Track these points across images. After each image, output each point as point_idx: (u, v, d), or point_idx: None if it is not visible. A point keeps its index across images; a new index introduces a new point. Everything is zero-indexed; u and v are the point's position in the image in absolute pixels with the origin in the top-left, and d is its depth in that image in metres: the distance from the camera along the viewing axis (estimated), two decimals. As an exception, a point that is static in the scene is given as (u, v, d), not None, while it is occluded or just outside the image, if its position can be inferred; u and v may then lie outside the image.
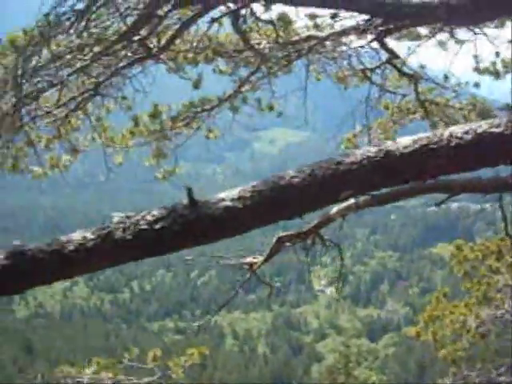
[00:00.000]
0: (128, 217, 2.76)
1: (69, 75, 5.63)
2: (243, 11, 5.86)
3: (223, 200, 2.76)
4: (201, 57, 7.05)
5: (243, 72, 7.80)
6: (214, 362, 66.15)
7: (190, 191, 2.72)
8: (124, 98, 7.15)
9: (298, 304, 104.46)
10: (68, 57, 5.66)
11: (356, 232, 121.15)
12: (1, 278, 2.75)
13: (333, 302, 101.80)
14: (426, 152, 2.81)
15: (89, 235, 2.77)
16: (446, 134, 2.81)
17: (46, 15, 4.56)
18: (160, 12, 5.33)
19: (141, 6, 5.14)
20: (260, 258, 5.44)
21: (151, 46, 6.03)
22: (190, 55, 6.62)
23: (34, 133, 6.78)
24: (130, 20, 5.30)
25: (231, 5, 5.84)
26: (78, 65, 5.67)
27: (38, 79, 5.56)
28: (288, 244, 5.30)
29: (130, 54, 6.09)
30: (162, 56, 6.47)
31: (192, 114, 7.82)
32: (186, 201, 2.75)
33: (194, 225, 2.75)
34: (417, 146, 2.83)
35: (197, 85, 7.48)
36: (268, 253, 5.34)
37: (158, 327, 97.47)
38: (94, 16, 4.93)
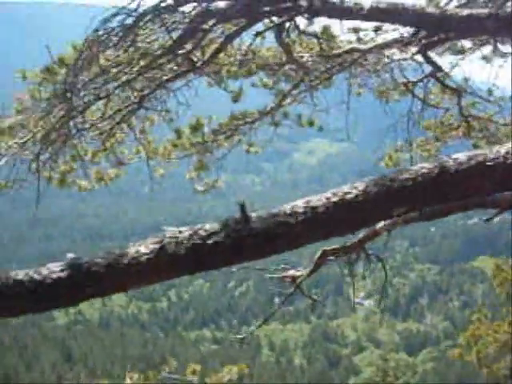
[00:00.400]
0: (181, 231, 2.78)
1: (115, 88, 5.71)
2: (287, 24, 5.86)
3: (276, 215, 2.75)
4: (243, 70, 7.09)
5: (284, 85, 7.84)
6: (251, 373, 66.03)
7: (243, 206, 2.72)
8: (167, 110, 7.22)
9: (336, 316, 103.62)
10: (114, 70, 5.75)
11: (395, 244, 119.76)
12: (57, 290, 2.79)
13: (371, 314, 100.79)
14: (482, 169, 2.76)
15: (142, 249, 2.79)
16: (503, 151, 2.76)
17: (96, 30, 4.65)
18: (205, 26, 5.38)
19: (186, 20, 5.18)
20: (302, 271, 5.41)
21: (195, 59, 6.08)
22: (233, 68, 6.65)
23: (80, 146, 6.89)
24: (175, 34, 5.36)
25: (275, 18, 5.86)
26: (124, 78, 5.74)
27: (86, 93, 5.65)
28: (332, 258, 5.28)
29: (174, 68, 6.16)
30: (205, 69, 6.52)
31: (233, 127, 7.87)
32: (238, 215, 2.75)
33: (246, 240, 2.74)
34: (473, 162, 2.79)
35: (236, 99, 7.53)
36: (312, 266, 5.31)
37: (195, 337, 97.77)
38: (141, 31, 5.00)
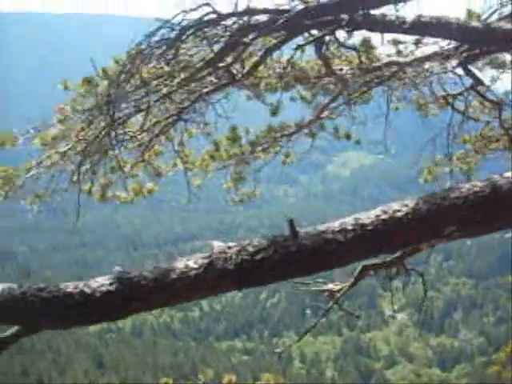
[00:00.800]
0: (229, 247, 2.78)
1: (156, 101, 5.77)
2: (327, 38, 5.85)
3: (325, 232, 2.74)
4: (282, 83, 7.10)
5: (323, 98, 7.83)
6: (282, 385, 65.57)
7: (291, 222, 2.72)
8: (206, 123, 7.26)
9: (368, 329, 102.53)
10: (154, 83, 5.81)
11: (429, 258, 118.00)
12: (106, 303, 2.81)
13: (404, 328, 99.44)
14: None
15: (191, 264, 2.81)
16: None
17: (139, 44, 4.71)
18: (245, 39, 5.40)
19: (227, 33, 5.22)
20: (341, 286, 5.37)
21: (235, 72, 6.11)
22: (272, 81, 6.67)
23: (119, 157, 6.95)
24: (216, 47, 5.40)
25: (315, 31, 5.86)
26: (165, 91, 5.80)
27: (127, 105, 5.72)
28: (371, 272, 5.23)
29: (214, 80, 6.19)
30: (244, 82, 6.54)
31: (271, 139, 7.88)
32: (286, 232, 2.74)
33: (294, 256, 2.74)
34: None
35: (275, 112, 7.54)
36: (352, 281, 5.27)
37: (226, 347, 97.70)
38: (183, 44, 5.05)
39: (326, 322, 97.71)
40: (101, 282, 2.82)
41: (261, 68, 6.45)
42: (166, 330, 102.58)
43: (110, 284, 2.79)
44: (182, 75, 5.68)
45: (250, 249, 2.76)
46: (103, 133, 5.79)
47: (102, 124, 5.75)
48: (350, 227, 2.72)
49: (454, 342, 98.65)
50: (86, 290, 2.80)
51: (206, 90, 6.34)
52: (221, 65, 5.69)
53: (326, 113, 7.83)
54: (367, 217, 2.75)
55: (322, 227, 2.79)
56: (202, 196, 7.97)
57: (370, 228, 2.70)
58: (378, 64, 6.99)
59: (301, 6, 4.96)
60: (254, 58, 5.96)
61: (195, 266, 2.79)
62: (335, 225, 2.77)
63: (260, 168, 7.92)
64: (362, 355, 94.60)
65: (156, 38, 4.76)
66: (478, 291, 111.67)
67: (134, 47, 4.91)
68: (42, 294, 2.84)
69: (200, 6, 4.67)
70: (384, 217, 2.72)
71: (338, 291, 5.38)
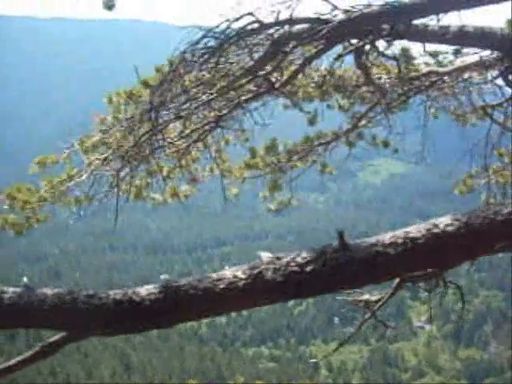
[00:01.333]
0: (278, 258, 2.78)
1: (195, 108, 5.82)
2: (367, 47, 5.84)
3: (375, 245, 2.73)
4: (320, 92, 7.11)
5: (360, 107, 7.81)
6: (308, 393, 65.32)
7: (341, 234, 2.71)
8: (243, 130, 7.29)
9: (396, 339, 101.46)
10: (194, 90, 5.86)
11: (460, 269, 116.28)
12: (154, 312, 2.83)
13: (432, 339, 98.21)
14: None
15: (240, 274, 2.81)
16: None
17: (183, 52, 4.77)
18: (285, 48, 5.42)
19: (268, 42, 5.24)
20: (378, 296, 5.32)
21: (273, 80, 6.13)
22: (311, 90, 6.67)
23: (156, 162, 7.02)
24: (256, 56, 5.43)
25: (354, 40, 5.86)
26: (205, 98, 5.84)
27: (167, 112, 5.79)
28: (409, 284, 5.16)
29: (252, 89, 6.22)
30: (282, 90, 6.56)
31: (308, 148, 7.87)
32: (336, 243, 2.74)
33: (344, 268, 2.73)
34: None
35: (312, 121, 7.54)
36: (391, 292, 5.22)
37: (252, 353, 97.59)
38: (224, 53, 5.09)
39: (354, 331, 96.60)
40: (150, 291, 2.85)
41: (299, 76, 6.46)
42: (192, 335, 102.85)
43: (159, 292, 2.81)
44: (222, 83, 5.72)
45: (300, 260, 2.76)
46: (143, 139, 5.86)
47: (143, 130, 5.82)
48: (400, 241, 2.70)
49: (483, 354, 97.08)
50: (135, 298, 2.83)
51: (244, 98, 6.38)
52: (260, 73, 5.71)
53: (363, 121, 7.82)
54: (418, 230, 2.72)
55: (372, 240, 2.78)
56: (231, 202, 8.00)
57: (420, 242, 2.67)
58: (416, 73, 6.96)
59: (342, 16, 4.97)
60: (294, 67, 5.98)
61: (243, 276, 2.80)
62: (385, 238, 2.75)
63: (297, 177, 7.92)
64: (390, 366, 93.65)
65: (199, 46, 4.81)
66: (509, 304, 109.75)
67: (176, 55, 4.97)
68: (92, 300, 2.87)
69: (243, 16, 4.70)
70: (435, 231, 2.69)
71: (375, 302, 5.33)
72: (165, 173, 7.32)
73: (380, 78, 6.88)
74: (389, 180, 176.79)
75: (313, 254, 2.77)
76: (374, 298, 5.30)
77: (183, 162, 7.38)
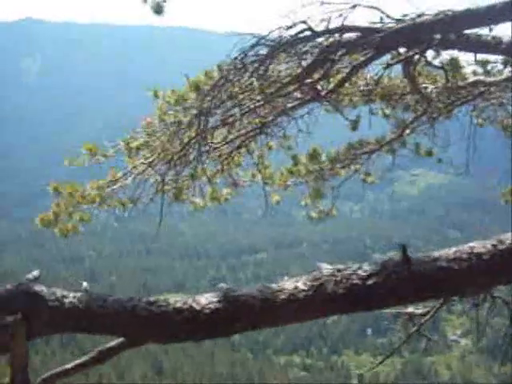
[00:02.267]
0: (339, 270, 2.77)
1: (242, 115, 5.86)
2: (416, 56, 5.81)
3: (438, 259, 2.69)
4: (364, 99, 7.09)
5: (404, 115, 7.76)
6: (339, 404, 64.80)
7: (404, 248, 2.69)
8: (286, 137, 7.30)
9: (430, 353, 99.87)
10: (241, 97, 5.90)
11: None
12: (213, 320, 2.84)
13: (467, 353, 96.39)
14: None
15: (300, 285, 2.81)
16: None
17: (235, 59, 4.81)
18: (334, 56, 5.43)
19: (317, 50, 5.26)
20: (422, 310, 5.24)
21: (320, 88, 6.14)
22: (356, 98, 6.66)
23: (200, 167, 7.07)
24: (304, 64, 5.45)
25: (403, 49, 5.84)
26: (252, 105, 5.88)
27: (214, 118, 5.84)
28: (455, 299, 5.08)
29: (299, 96, 6.24)
30: (328, 98, 6.56)
31: (351, 156, 7.84)
32: (398, 257, 2.71)
33: (407, 283, 2.70)
34: None
35: (355, 127, 7.51)
36: (437, 306, 5.15)
37: (284, 361, 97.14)
38: (274, 60, 5.12)
39: (387, 343, 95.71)
40: (209, 299, 2.86)
41: (345, 84, 6.45)
42: (225, 341, 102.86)
43: (219, 301, 2.82)
44: (269, 90, 5.75)
45: (361, 273, 2.74)
46: (190, 144, 5.93)
47: (190, 135, 5.89)
48: (465, 256, 2.65)
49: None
50: (195, 306, 2.84)
51: (290, 105, 6.40)
52: (307, 81, 5.73)
53: (407, 130, 7.77)
54: (483, 246, 2.68)
55: (435, 254, 2.74)
56: (267, 209, 7.99)
57: (485, 258, 2.63)
58: (464, 83, 6.89)
59: (393, 25, 4.96)
60: (341, 75, 5.98)
61: (304, 287, 2.79)
62: (449, 252, 2.72)
63: (339, 185, 7.89)
64: (423, 379, 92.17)
65: (251, 53, 4.86)
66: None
67: (227, 61, 5.03)
68: (152, 308, 2.89)
69: (296, 24, 4.73)
70: (501, 247, 2.65)
71: (420, 315, 5.25)
72: (208, 177, 7.36)
73: (426, 88, 6.83)
74: (426, 190, 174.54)
75: (375, 267, 2.74)
76: (418, 312, 5.22)
77: (226, 167, 7.42)
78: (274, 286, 2.87)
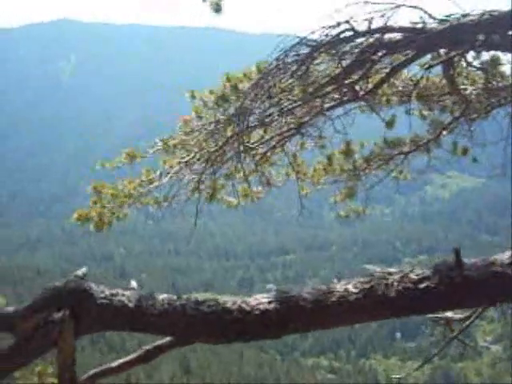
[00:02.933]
0: (390, 273, 2.75)
1: (279, 115, 5.86)
2: (456, 57, 5.76)
3: (493, 264, 2.64)
4: (401, 99, 7.04)
5: (441, 116, 7.68)
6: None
7: (457, 252, 2.65)
8: (322, 137, 7.27)
9: (460, 359, 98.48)
10: (278, 97, 5.91)
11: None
12: (263, 321, 2.83)
13: (498, 360, 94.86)
14: None
15: (351, 288, 2.79)
16: None
17: (276, 59, 4.82)
18: (374, 57, 5.40)
19: (357, 50, 5.24)
20: (460, 315, 5.17)
21: (358, 89, 6.12)
22: (394, 98, 6.61)
23: (236, 166, 7.08)
24: (343, 64, 5.43)
25: (443, 51, 5.78)
26: (288, 105, 5.88)
27: (252, 118, 5.85)
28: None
29: (336, 96, 6.22)
30: (366, 99, 6.52)
31: (386, 156, 7.78)
32: (451, 261, 2.67)
33: (459, 288, 2.65)
34: None
35: (390, 126, 7.45)
36: (479, 311, 5.07)
37: (311, 363, 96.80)
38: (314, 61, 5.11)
39: (416, 347, 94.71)
40: (259, 300, 2.86)
41: (384, 85, 6.41)
42: (253, 342, 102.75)
43: (269, 303, 2.81)
44: (308, 90, 5.74)
45: (413, 276, 2.71)
46: (227, 143, 5.95)
47: (228, 134, 5.91)
48: None
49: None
50: (245, 307, 2.84)
51: (327, 106, 6.38)
52: (346, 81, 5.71)
53: (444, 132, 7.68)
54: None
55: (489, 259, 2.69)
56: (296, 210, 7.96)
57: None
58: (503, 84, 6.80)
59: (435, 25, 4.91)
60: (379, 76, 5.95)
61: (355, 290, 2.77)
62: (504, 257, 2.67)
63: (374, 185, 7.83)
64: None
65: (291, 53, 4.86)
66: None
67: (267, 61, 5.04)
68: (201, 307, 2.90)
69: (340, 24, 4.72)
70: None
71: (459, 321, 5.17)
72: (243, 176, 7.37)
73: (465, 89, 6.75)
74: (458, 194, 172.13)
75: (427, 271, 2.71)
76: (457, 317, 5.14)
77: (261, 167, 7.42)
78: (324, 287, 2.86)
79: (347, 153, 7.76)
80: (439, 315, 5.50)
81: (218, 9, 5.14)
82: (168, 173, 6.82)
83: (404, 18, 4.93)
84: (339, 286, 2.83)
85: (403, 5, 4.77)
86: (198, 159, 6.77)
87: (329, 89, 5.81)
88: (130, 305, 3.03)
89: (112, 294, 3.14)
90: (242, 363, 79.17)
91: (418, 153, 7.86)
